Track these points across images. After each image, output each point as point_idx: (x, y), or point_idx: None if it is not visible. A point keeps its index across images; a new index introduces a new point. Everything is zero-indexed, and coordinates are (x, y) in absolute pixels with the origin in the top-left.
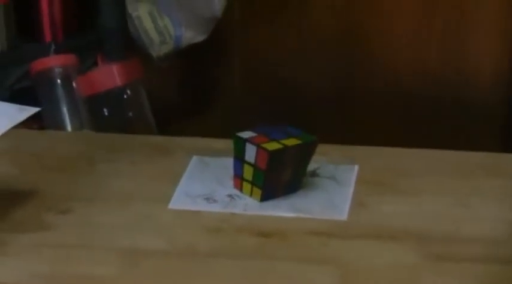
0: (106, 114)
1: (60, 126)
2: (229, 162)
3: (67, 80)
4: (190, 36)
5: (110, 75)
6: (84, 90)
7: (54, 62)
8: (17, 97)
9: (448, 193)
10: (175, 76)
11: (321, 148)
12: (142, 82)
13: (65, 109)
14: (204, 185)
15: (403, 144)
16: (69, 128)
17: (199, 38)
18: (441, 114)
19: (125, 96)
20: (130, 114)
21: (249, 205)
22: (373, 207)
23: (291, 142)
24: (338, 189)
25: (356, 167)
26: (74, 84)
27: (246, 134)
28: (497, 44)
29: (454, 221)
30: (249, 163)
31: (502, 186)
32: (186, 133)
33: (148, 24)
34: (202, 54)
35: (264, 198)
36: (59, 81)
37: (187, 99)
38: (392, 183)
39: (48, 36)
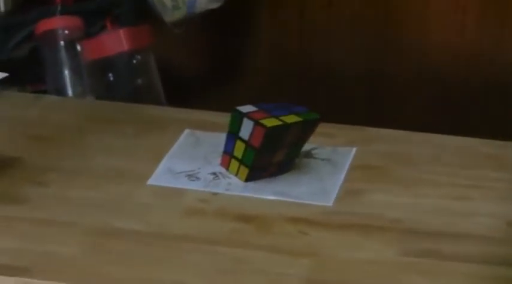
0: (112, 80)
1: (62, 91)
2: (222, 137)
3: (71, 43)
4: (205, 2)
5: (116, 40)
6: (89, 54)
7: (58, 23)
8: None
9: (447, 184)
10: (189, 45)
11: (323, 128)
12: (153, 50)
13: (66, 73)
14: (190, 161)
15: (431, 128)
16: (70, 93)
17: (214, 4)
18: (471, 97)
19: (134, 62)
20: (139, 81)
21: (232, 185)
22: (364, 194)
23: (292, 119)
24: (331, 172)
25: (354, 150)
26: (79, 48)
27: (246, 108)
28: None
29: (448, 215)
30: (242, 140)
31: (506, 180)
32: (196, 106)
33: None
34: (221, 22)
35: (250, 178)
36: (62, 43)
37: (202, 70)
38: (390, 169)
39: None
